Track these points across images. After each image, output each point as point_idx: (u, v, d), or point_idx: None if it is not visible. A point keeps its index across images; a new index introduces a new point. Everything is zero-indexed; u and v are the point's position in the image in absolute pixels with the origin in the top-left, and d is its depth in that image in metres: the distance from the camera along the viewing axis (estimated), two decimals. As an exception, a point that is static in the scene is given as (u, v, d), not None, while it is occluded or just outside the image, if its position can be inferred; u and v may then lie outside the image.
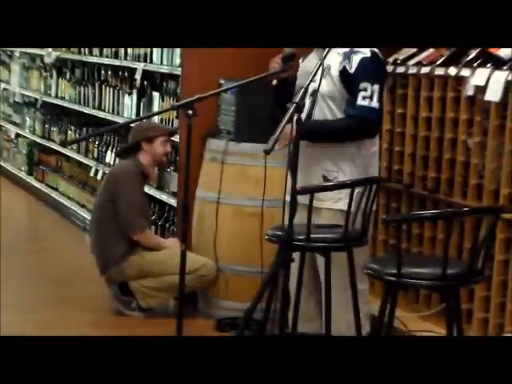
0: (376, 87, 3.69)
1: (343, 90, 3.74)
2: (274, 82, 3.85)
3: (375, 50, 3.79)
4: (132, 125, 5.15)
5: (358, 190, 3.59)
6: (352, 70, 3.70)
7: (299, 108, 2.96)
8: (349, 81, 3.71)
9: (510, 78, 3.93)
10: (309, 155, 3.78)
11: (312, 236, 3.45)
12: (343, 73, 3.72)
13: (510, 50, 4.08)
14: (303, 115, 3.21)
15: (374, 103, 3.69)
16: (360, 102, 3.68)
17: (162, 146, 4.84)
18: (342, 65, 3.73)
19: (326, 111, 3.78)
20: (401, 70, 4.63)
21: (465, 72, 4.20)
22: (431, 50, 4.61)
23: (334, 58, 3.74)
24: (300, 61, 3.92)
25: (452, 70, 4.29)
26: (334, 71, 3.74)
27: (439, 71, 4.38)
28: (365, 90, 3.68)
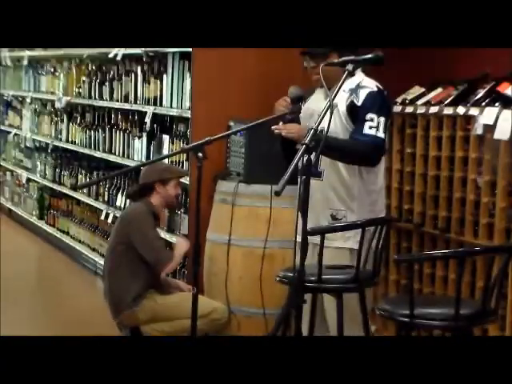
0: (382, 119, 3.77)
1: (349, 125, 3.80)
2: (280, 124, 3.85)
3: (380, 86, 3.86)
4: (143, 167, 5.16)
5: (367, 229, 3.59)
6: (359, 103, 3.79)
7: (309, 149, 2.97)
8: (355, 112, 3.79)
9: (518, 117, 3.94)
10: (318, 195, 3.80)
11: (323, 277, 3.44)
12: (351, 106, 3.80)
13: (518, 88, 4.10)
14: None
15: (380, 133, 3.76)
16: (367, 130, 3.75)
17: (174, 188, 4.85)
18: (350, 99, 3.81)
19: None
20: (409, 109, 4.65)
21: (473, 111, 4.22)
22: (439, 90, 4.64)
23: (341, 95, 3.80)
24: (301, 103, 3.97)
25: (460, 109, 4.31)
26: (342, 107, 3.81)
27: (448, 110, 4.40)
28: (371, 120, 3.76)
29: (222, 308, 4.70)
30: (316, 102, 3.91)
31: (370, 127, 3.74)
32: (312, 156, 2.97)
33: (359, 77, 3.87)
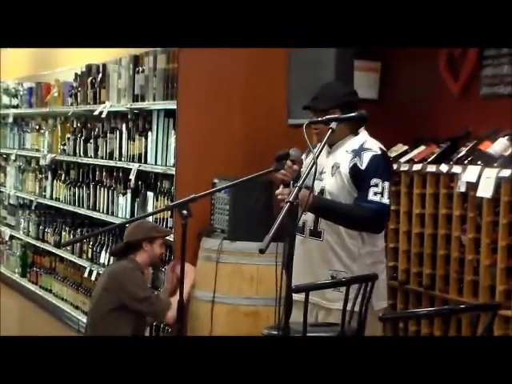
0: (386, 184, 3.70)
1: (352, 188, 3.73)
2: (281, 188, 3.79)
3: (384, 148, 3.82)
4: (128, 225, 5.15)
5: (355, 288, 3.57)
6: (363, 167, 3.70)
7: (293, 207, 2.97)
8: (359, 177, 3.71)
9: (500, 175, 3.97)
10: (317, 255, 3.77)
11: (308, 335, 3.41)
12: (353, 169, 3.71)
13: (499, 146, 4.14)
14: (309, 216, 3.22)
15: (385, 199, 3.69)
16: (372, 197, 3.67)
17: (159, 247, 4.84)
18: (353, 162, 3.72)
19: None
20: (393, 167, 4.68)
21: (456, 169, 4.25)
22: (422, 148, 4.68)
23: (343, 156, 3.76)
24: (303, 157, 3.92)
25: (443, 167, 4.34)
26: (344, 169, 3.74)
27: (431, 168, 4.43)
28: (376, 186, 3.68)
29: None
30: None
31: (375, 193, 3.66)
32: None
33: (363, 137, 3.81)
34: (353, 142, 3.79)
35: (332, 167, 3.77)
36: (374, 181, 3.68)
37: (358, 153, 3.74)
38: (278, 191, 3.67)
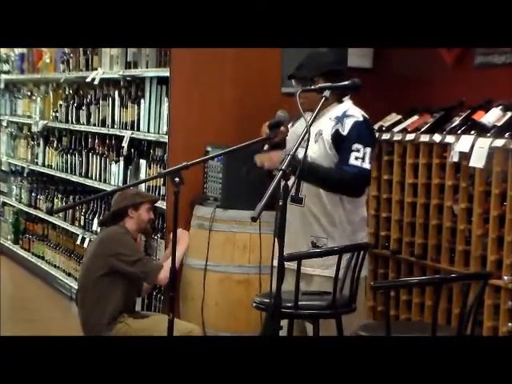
0: (368, 150, 3.72)
1: (334, 154, 3.76)
2: (265, 147, 3.85)
3: (366, 116, 3.84)
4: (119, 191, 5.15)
5: (346, 257, 3.59)
6: (345, 133, 3.74)
7: (285, 175, 2.97)
8: (341, 142, 3.74)
9: (493, 145, 3.97)
10: (298, 221, 3.79)
11: (300, 303, 3.43)
12: (335, 135, 3.75)
13: (493, 116, 4.13)
14: (290, 182, 3.22)
15: (366, 164, 3.71)
16: (352, 161, 3.70)
17: (146, 212, 4.85)
18: (335, 128, 3.76)
19: None
20: (386, 136, 4.68)
21: (449, 139, 4.25)
22: (416, 118, 4.67)
23: (326, 123, 3.78)
24: (290, 125, 3.94)
25: (437, 137, 4.34)
26: (327, 135, 3.77)
27: (424, 138, 4.43)
28: (357, 151, 3.71)
29: (197, 330, 4.67)
30: (301, 128, 3.90)
31: (356, 158, 3.69)
32: (290, 182, 2.96)
33: (346, 105, 3.84)
34: (336, 110, 3.82)
35: (315, 134, 3.79)
36: (355, 146, 3.71)
37: (340, 119, 3.77)
38: (256, 156, 3.71)
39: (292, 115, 3.89)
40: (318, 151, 3.76)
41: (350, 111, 3.81)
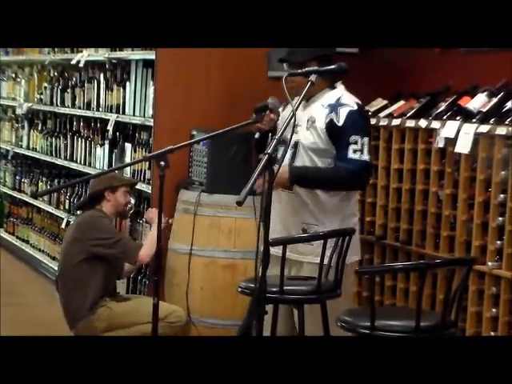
0: (366, 140, 3.67)
1: (328, 142, 3.70)
2: (257, 135, 3.83)
3: (360, 103, 3.79)
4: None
5: (332, 243, 3.58)
6: (340, 123, 3.67)
7: (271, 159, 2.96)
8: (336, 134, 3.68)
9: (479, 131, 3.97)
10: (289, 207, 3.77)
11: (285, 288, 3.43)
12: (330, 125, 3.69)
13: (478, 102, 4.14)
14: (282, 166, 3.22)
15: (365, 156, 3.67)
16: (351, 155, 3.65)
17: (123, 195, 4.84)
18: (329, 117, 3.69)
19: (308, 163, 3.75)
20: (372, 121, 4.66)
21: (435, 124, 4.25)
22: (402, 103, 4.67)
23: (319, 110, 3.73)
24: (280, 110, 3.89)
25: (422, 123, 4.33)
26: (320, 123, 3.71)
27: (410, 123, 4.43)
28: (355, 143, 3.66)
29: (179, 311, 4.67)
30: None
31: (355, 151, 3.65)
32: (275, 167, 2.95)
33: (339, 91, 3.78)
34: (329, 96, 3.75)
35: (307, 121, 3.75)
36: (352, 138, 3.66)
37: (334, 108, 3.71)
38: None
39: (281, 100, 3.87)
40: (311, 138, 3.72)
41: (344, 99, 3.74)
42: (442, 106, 4.31)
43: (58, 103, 7.08)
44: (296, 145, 3.73)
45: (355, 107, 3.72)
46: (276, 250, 3.50)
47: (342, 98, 3.74)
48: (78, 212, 6.11)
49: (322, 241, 3.55)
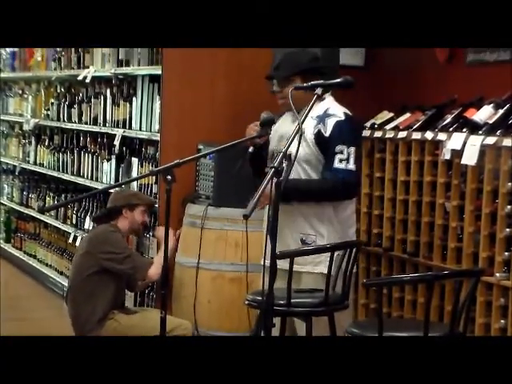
0: (352, 149, 3.72)
1: (318, 153, 3.75)
2: (251, 149, 3.87)
3: (349, 113, 3.82)
4: (112, 190, 5.14)
5: (337, 254, 3.59)
6: (327, 134, 3.73)
7: (278, 172, 2.96)
8: (324, 144, 3.73)
9: (485, 142, 3.97)
10: (286, 218, 3.77)
11: (292, 301, 3.43)
12: (318, 136, 3.74)
13: (484, 114, 4.14)
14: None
15: (351, 165, 3.71)
16: (337, 165, 3.70)
17: (141, 214, 4.84)
18: (317, 128, 3.75)
19: (302, 175, 3.79)
20: (378, 134, 4.68)
21: (441, 136, 4.25)
22: (408, 115, 4.67)
23: (308, 121, 3.75)
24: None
25: (429, 135, 4.34)
26: (309, 134, 3.76)
27: (416, 135, 4.43)
28: (341, 152, 3.70)
29: (186, 323, 4.66)
30: (283, 126, 3.91)
31: (341, 160, 3.69)
32: (281, 179, 2.95)
33: (327, 103, 3.82)
34: (317, 108, 3.78)
35: (301, 133, 3.78)
36: (338, 148, 3.71)
37: (322, 119, 3.76)
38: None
39: (275, 115, 3.91)
40: (301, 150, 3.72)
41: (332, 110, 3.79)
42: (448, 118, 4.31)
43: (65, 119, 7.10)
44: (289, 157, 3.75)
45: (342, 117, 3.77)
46: (279, 262, 3.50)
47: (330, 109, 3.80)
48: (92, 225, 6.14)
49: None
